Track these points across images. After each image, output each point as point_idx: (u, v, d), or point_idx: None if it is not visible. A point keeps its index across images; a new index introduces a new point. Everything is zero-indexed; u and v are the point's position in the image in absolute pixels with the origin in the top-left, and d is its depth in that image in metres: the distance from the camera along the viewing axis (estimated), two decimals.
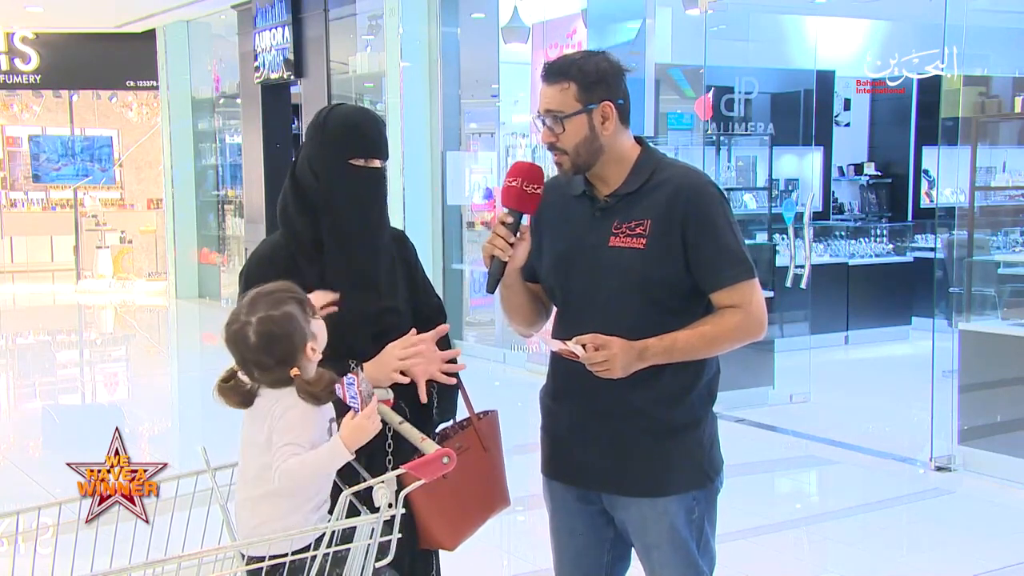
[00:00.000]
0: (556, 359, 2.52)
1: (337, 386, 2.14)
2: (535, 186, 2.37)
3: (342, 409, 2.19)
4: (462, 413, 2.55)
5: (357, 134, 2.41)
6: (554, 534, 2.64)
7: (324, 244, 2.42)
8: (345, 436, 2.07)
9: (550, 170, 2.53)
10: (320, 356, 2.17)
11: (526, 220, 2.42)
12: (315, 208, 2.42)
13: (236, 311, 2.15)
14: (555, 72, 2.41)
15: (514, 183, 2.37)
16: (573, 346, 2.29)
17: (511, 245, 2.37)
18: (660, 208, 2.36)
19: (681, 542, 2.44)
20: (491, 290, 2.45)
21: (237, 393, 2.16)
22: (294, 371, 2.10)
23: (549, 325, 2.64)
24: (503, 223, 2.38)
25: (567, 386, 2.49)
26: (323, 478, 2.13)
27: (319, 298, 2.31)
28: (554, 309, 2.59)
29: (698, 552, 2.47)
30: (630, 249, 2.37)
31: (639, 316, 2.37)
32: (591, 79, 2.37)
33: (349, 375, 2.13)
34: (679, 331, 2.35)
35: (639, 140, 2.48)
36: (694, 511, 2.46)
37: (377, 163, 2.43)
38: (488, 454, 2.48)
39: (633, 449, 2.42)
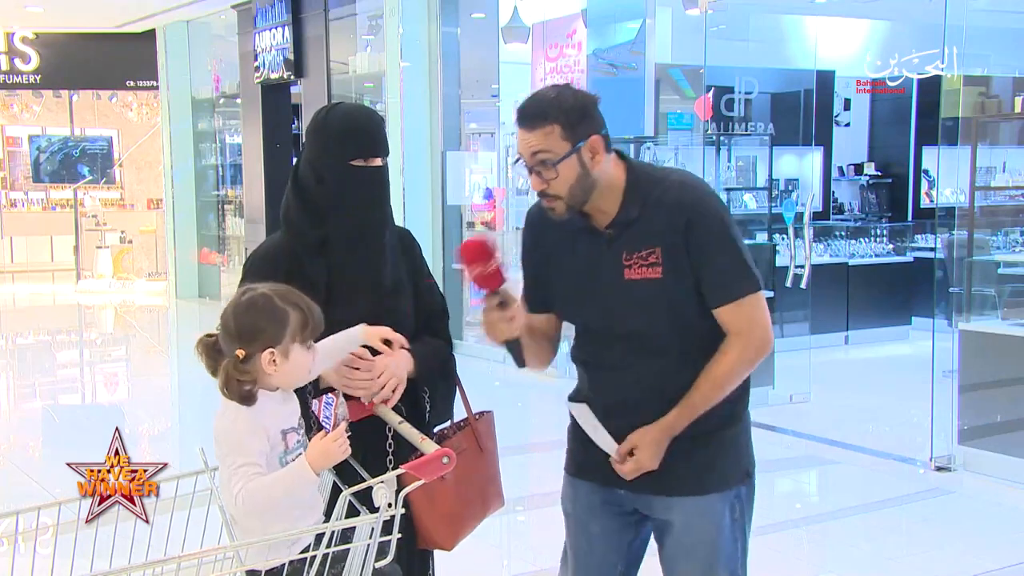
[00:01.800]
0: (591, 376, 2.51)
1: (315, 402, 2.13)
2: (491, 263, 2.30)
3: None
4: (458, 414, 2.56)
5: (356, 135, 2.41)
6: (571, 535, 2.61)
7: (330, 244, 2.42)
8: (311, 458, 2.05)
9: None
10: (282, 382, 2.14)
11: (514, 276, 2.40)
12: (319, 209, 2.42)
13: (267, 284, 2.17)
14: (535, 115, 2.29)
15: (474, 271, 2.30)
16: (609, 443, 2.39)
17: (510, 319, 2.34)
18: (666, 233, 2.33)
19: (725, 540, 2.45)
20: (522, 364, 2.47)
21: (208, 355, 2.14)
22: (239, 351, 2.08)
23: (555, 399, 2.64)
24: (491, 308, 2.34)
25: (606, 407, 2.46)
26: (289, 501, 2.09)
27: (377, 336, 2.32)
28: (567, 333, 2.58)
29: (738, 548, 2.48)
30: (647, 280, 2.34)
31: (666, 336, 2.37)
32: (574, 117, 2.27)
33: (329, 395, 2.12)
34: (692, 391, 2.36)
35: (619, 155, 2.41)
36: (736, 509, 2.46)
37: (378, 161, 2.43)
38: (484, 454, 2.49)
39: (675, 449, 2.40)
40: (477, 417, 2.52)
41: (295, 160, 2.56)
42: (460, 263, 2.34)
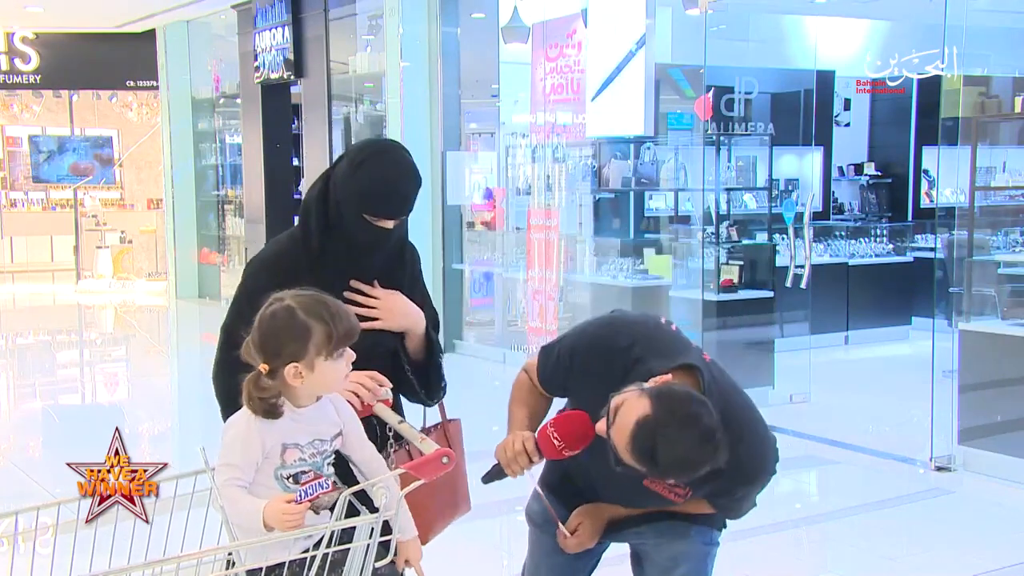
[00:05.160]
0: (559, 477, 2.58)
1: (310, 473, 2.13)
2: (573, 451, 2.28)
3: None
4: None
5: (377, 196, 2.36)
6: (538, 543, 2.64)
7: (324, 259, 2.44)
8: (267, 514, 2.00)
9: None
10: (311, 393, 2.12)
11: None
12: (329, 224, 2.44)
13: (294, 292, 2.12)
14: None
15: (557, 443, 2.28)
16: (558, 518, 2.49)
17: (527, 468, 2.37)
18: (707, 486, 2.30)
19: (701, 559, 2.49)
20: (486, 482, 2.42)
21: (259, 403, 2.08)
22: (263, 366, 2.07)
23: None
24: (530, 459, 2.33)
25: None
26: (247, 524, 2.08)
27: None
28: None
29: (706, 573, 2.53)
30: (663, 497, 2.36)
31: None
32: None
33: (327, 480, 2.11)
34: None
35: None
36: (708, 545, 2.50)
37: (389, 224, 2.40)
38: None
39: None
40: (449, 421, 2.59)
41: (334, 163, 2.51)
42: (554, 428, 2.28)
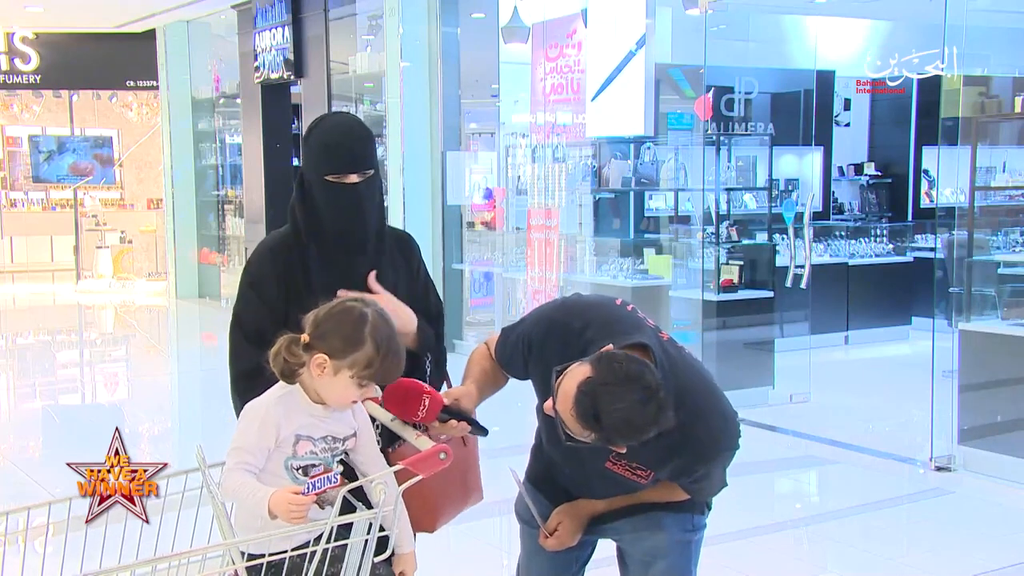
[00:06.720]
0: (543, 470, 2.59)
1: (320, 466, 2.15)
2: (408, 416, 2.27)
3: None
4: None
5: (330, 153, 2.47)
6: (527, 540, 2.64)
7: (314, 242, 2.51)
8: (273, 502, 2.02)
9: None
10: (321, 392, 2.15)
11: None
12: (311, 207, 2.53)
13: (381, 310, 2.17)
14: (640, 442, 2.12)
15: (392, 418, 2.30)
16: (539, 518, 2.49)
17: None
18: (667, 466, 2.29)
19: (681, 550, 2.47)
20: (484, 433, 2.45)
21: (281, 362, 2.13)
22: (305, 336, 2.11)
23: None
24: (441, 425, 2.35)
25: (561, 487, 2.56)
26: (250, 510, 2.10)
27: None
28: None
29: (690, 565, 2.50)
30: (626, 479, 2.35)
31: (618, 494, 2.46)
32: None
33: (336, 473, 2.13)
34: (626, 496, 2.44)
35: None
36: (689, 530, 2.48)
37: (353, 178, 2.46)
38: (466, 448, 2.53)
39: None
40: None
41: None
42: (388, 408, 2.29)
